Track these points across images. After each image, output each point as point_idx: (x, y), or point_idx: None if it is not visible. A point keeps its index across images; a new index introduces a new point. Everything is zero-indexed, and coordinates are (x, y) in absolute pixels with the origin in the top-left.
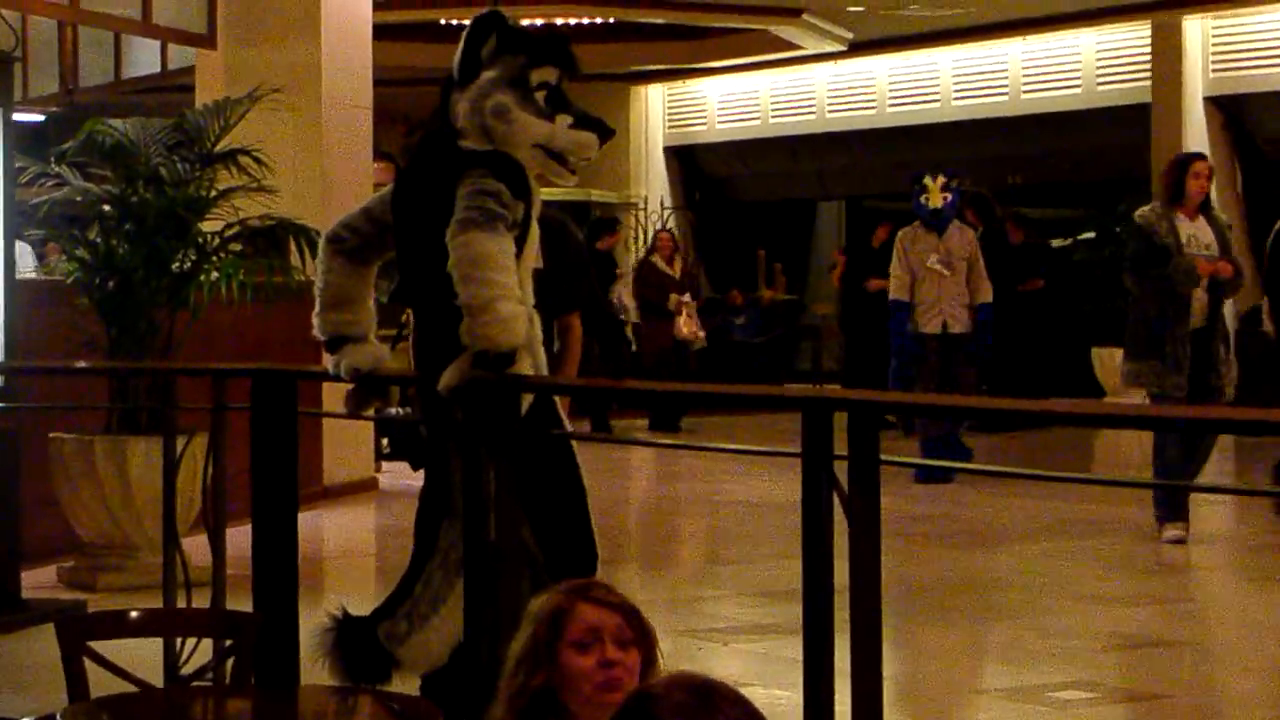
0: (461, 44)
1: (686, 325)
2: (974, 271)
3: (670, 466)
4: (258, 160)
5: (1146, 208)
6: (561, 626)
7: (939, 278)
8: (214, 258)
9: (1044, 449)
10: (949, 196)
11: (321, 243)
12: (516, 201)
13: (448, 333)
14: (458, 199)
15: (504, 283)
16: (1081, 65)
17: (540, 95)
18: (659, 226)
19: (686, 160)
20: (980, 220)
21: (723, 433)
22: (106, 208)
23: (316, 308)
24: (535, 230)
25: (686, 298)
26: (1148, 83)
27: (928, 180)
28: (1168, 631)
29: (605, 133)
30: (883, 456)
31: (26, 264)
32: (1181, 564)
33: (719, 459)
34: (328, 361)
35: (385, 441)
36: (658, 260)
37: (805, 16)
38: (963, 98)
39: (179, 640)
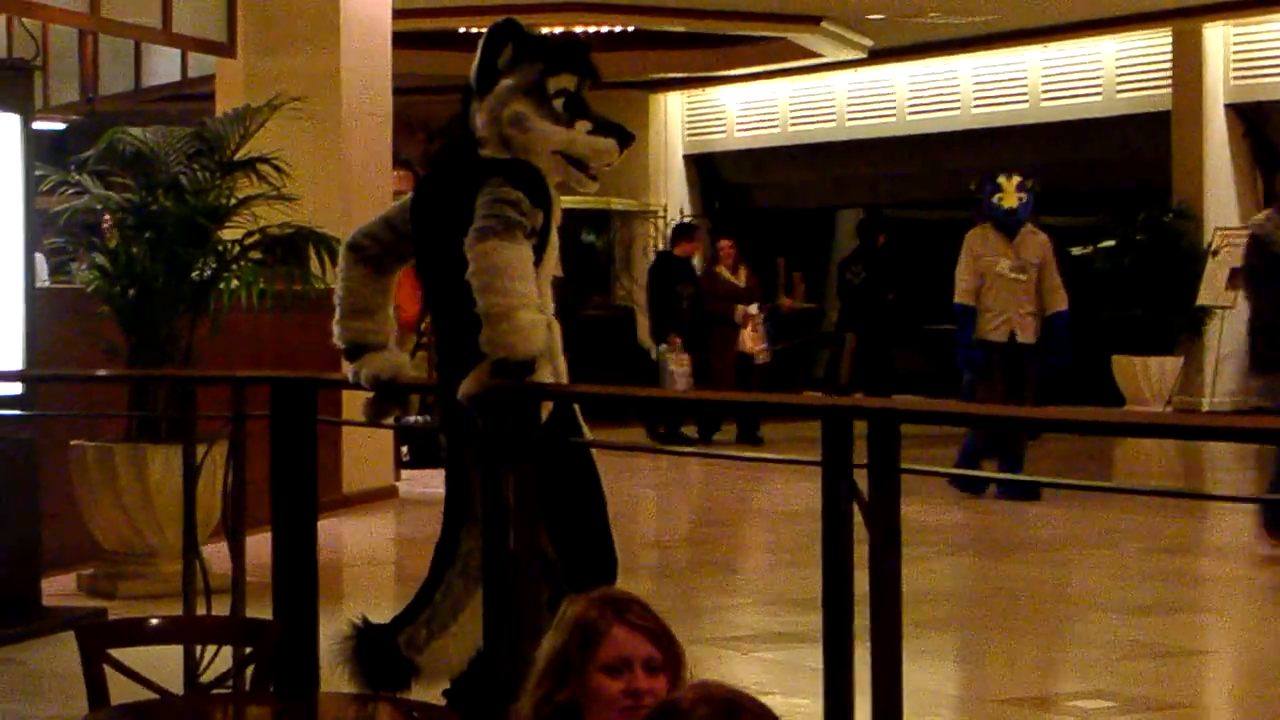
0: (478, 53)
1: (751, 339)
2: (1047, 278)
3: (690, 474)
4: (277, 168)
5: (1261, 215)
6: (594, 648)
7: (1009, 283)
8: (234, 266)
9: (1063, 458)
10: (1024, 197)
11: (342, 251)
12: (535, 209)
13: (467, 341)
14: (477, 207)
15: (523, 291)
16: (1102, 72)
17: (558, 102)
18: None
19: (706, 168)
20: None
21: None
22: (125, 216)
23: (336, 316)
24: (555, 238)
25: (753, 309)
26: (1168, 90)
27: (1002, 179)
28: (1190, 641)
29: (625, 138)
30: (903, 465)
31: (41, 273)
32: (1203, 573)
33: (739, 467)
34: (347, 369)
35: (405, 449)
36: (722, 270)
37: (825, 24)
38: (983, 105)
39: (199, 648)
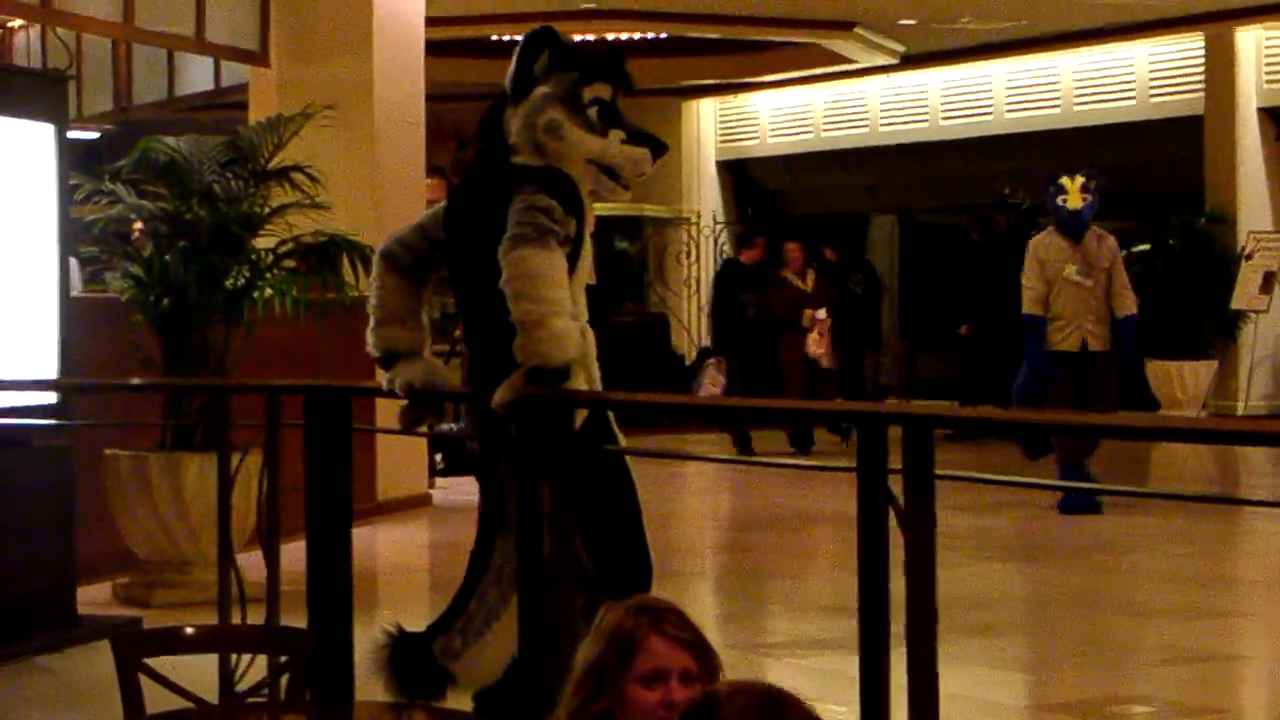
0: (514, 60)
1: (816, 343)
2: (1115, 281)
3: (725, 480)
4: (311, 177)
5: None
6: (630, 658)
7: (1077, 289)
8: (267, 274)
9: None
10: (1089, 197)
11: (375, 259)
12: (569, 217)
13: (501, 349)
14: (510, 215)
15: (556, 299)
16: (1134, 77)
17: (593, 111)
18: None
19: (738, 174)
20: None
21: (777, 446)
22: (159, 225)
23: (370, 324)
24: (589, 245)
25: (821, 314)
26: (1200, 94)
27: (1065, 180)
28: (1226, 646)
29: (658, 148)
30: (938, 471)
31: (75, 279)
32: (1241, 577)
33: (774, 472)
34: (381, 377)
35: (439, 457)
36: (789, 274)
37: (857, 30)
38: (1015, 110)
39: (234, 656)
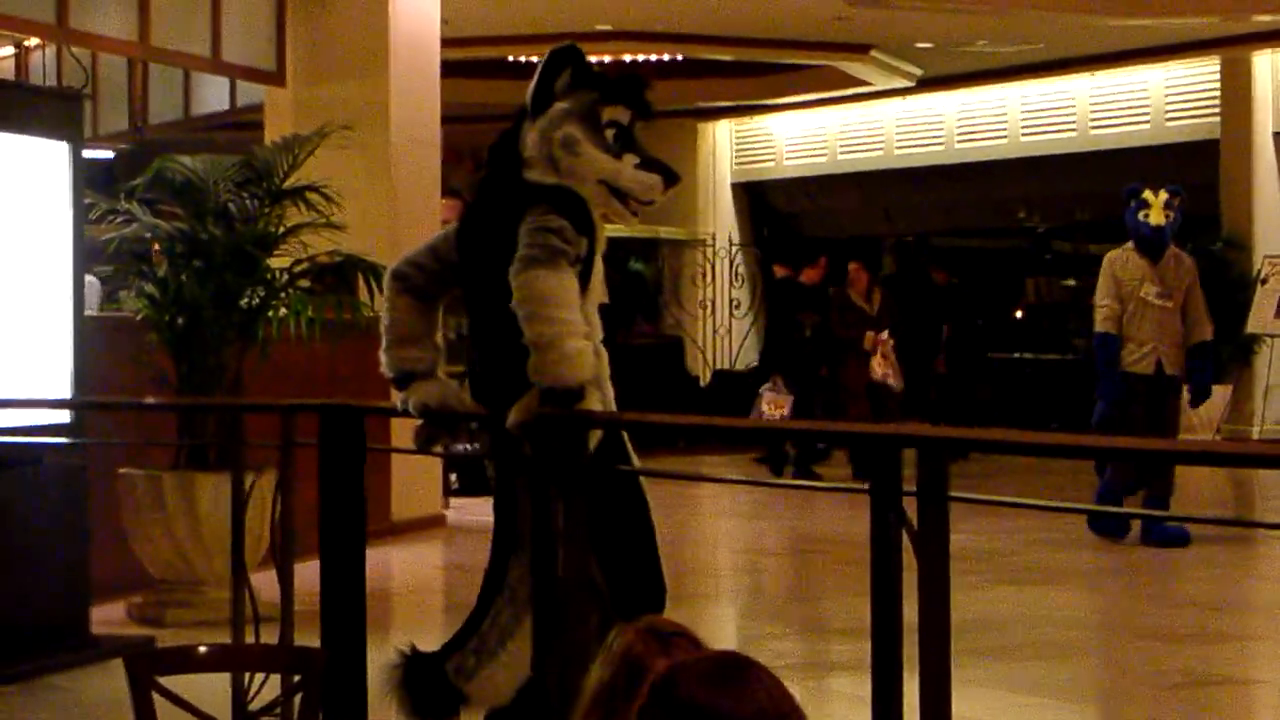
0: (537, 75)
1: (880, 366)
2: (1192, 304)
3: (737, 502)
4: (326, 197)
5: None
6: (639, 684)
7: (1155, 310)
8: (282, 294)
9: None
10: (1171, 214)
11: (387, 279)
12: (580, 237)
13: (515, 369)
14: (520, 236)
15: (569, 319)
16: (1150, 101)
17: (609, 133)
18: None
19: (754, 196)
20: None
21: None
22: (174, 244)
23: (384, 345)
24: (600, 265)
25: (884, 335)
26: (1216, 119)
27: (1148, 195)
28: (1236, 669)
29: (671, 177)
30: (952, 493)
31: (93, 298)
32: (1252, 602)
33: (784, 494)
34: (396, 398)
35: (454, 477)
36: (853, 294)
37: (874, 53)
38: (1031, 134)
39: (247, 676)
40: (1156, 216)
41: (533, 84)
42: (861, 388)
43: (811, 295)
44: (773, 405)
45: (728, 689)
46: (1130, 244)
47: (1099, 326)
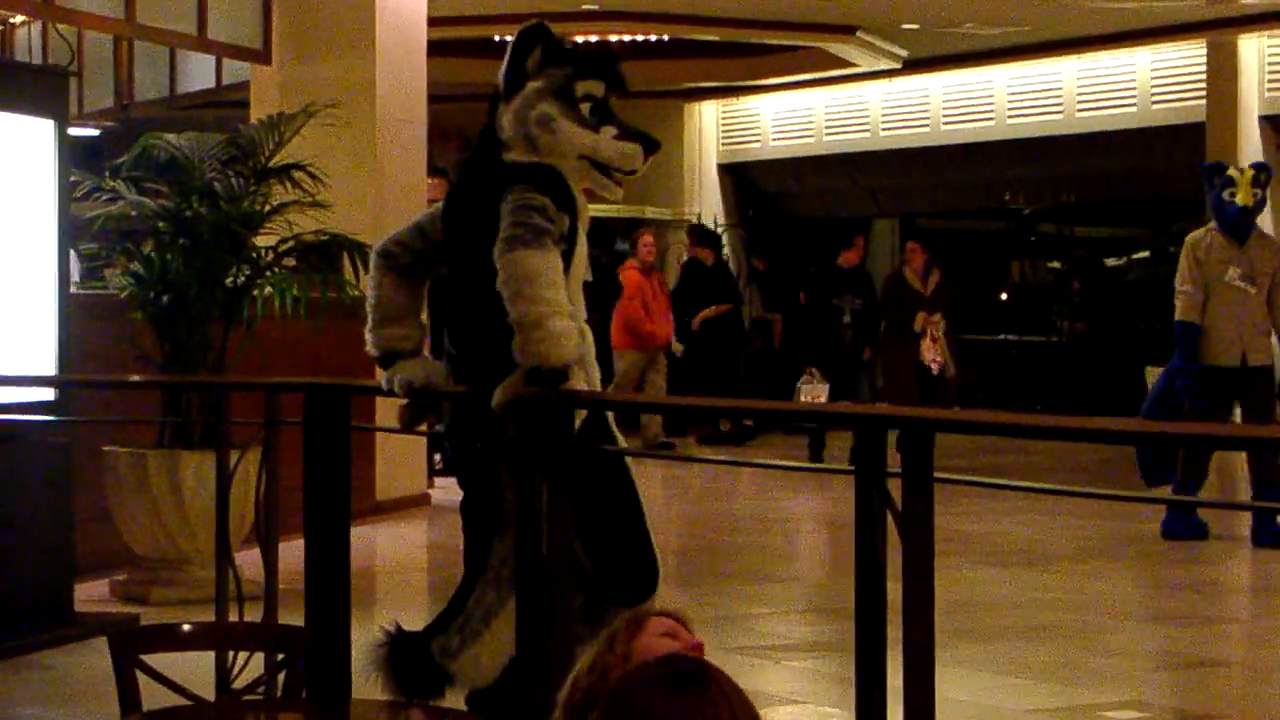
0: (507, 56)
1: (929, 350)
2: (1279, 291)
3: (723, 483)
4: (312, 175)
5: None
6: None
7: (1238, 296)
8: (267, 273)
9: (1094, 467)
10: (1259, 193)
11: (372, 258)
12: (561, 214)
13: (499, 349)
14: (503, 215)
15: (554, 299)
16: (1136, 84)
17: (585, 107)
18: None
19: (740, 177)
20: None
21: (776, 449)
22: (159, 222)
23: (368, 324)
24: (583, 243)
25: (937, 318)
26: (1202, 102)
27: (1234, 173)
28: (1220, 651)
29: (651, 145)
30: (937, 475)
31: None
32: (1233, 584)
33: (772, 475)
34: (381, 377)
35: (438, 456)
36: (908, 274)
37: (859, 34)
38: (1017, 116)
39: (231, 654)
40: (1244, 195)
41: (504, 65)
42: (909, 372)
43: (851, 278)
44: (810, 397)
45: (685, 698)
46: (1213, 225)
47: (1180, 315)
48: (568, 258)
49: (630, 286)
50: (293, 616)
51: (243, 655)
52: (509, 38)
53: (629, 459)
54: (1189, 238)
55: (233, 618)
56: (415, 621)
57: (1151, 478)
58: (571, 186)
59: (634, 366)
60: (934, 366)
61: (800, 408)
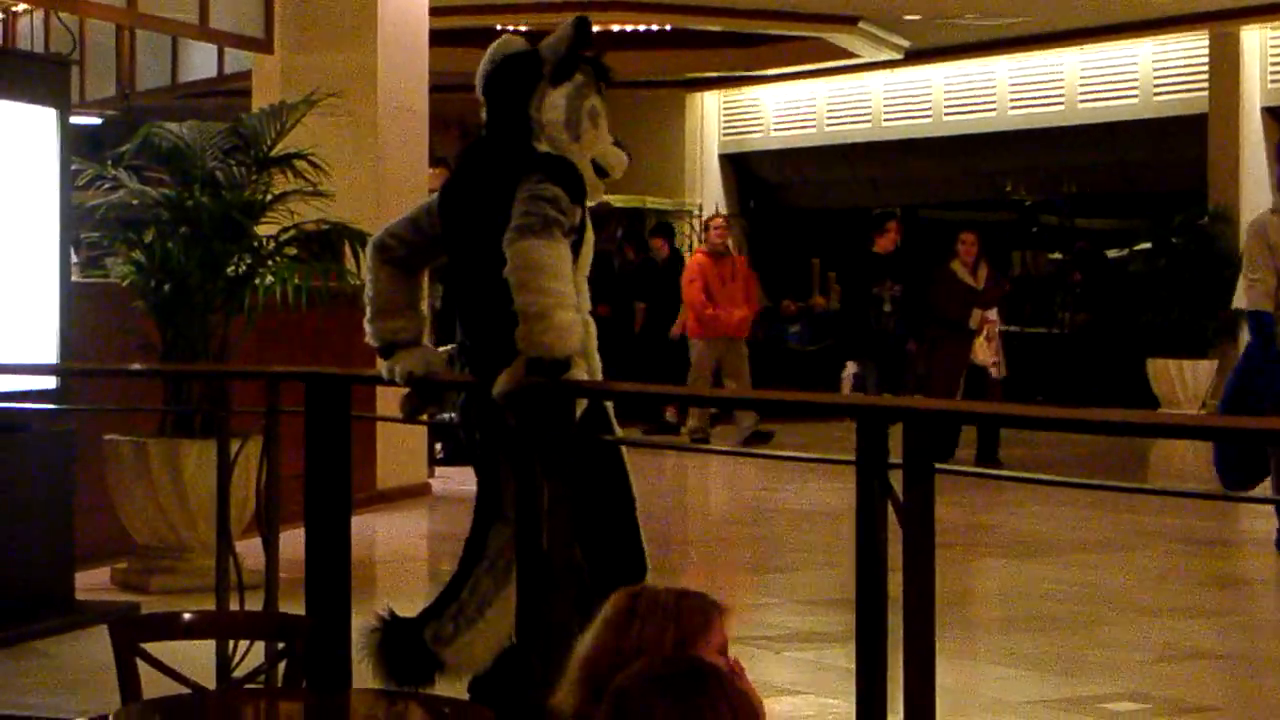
0: (567, 41)
1: (983, 349)
2: None
3: (724, 474)
4: (313, 164)
5: None
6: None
7: None
8: (269, 262)
9: (1095, 459)
10: None
11: (369, 251)
12: (574, 206)
13: (502, 338)
14: (515, 204)
15: (561, 290)
16: (1138, 75)
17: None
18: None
19: (741, 167)
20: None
21: (777, 440)
22: (161, 211)
23: (367, 315)
24: (591, 236)
25: (992, 314)
26: (1205, 93)
27: None
28: (1220, 644)
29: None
30: (938, 465)
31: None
32: (1234, 576)
33: (773, 466)
34: (381, 367)
35: (439, 446)
36: (958, 267)
37: (861, 25)
38: (1019, 107)
39: (231, 643)
40: None
41: (562, 49)
42: (961, 371)
43: (889, 264)
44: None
45: (684, 701)
46: (1275, 205)
47: (1252, 304)
48: (576, 250)
49: (691, 269)
50: (293, 605)
51: (243, 644)
52: (510, 27)
53: (625, 452)
54: (1253, 222)
55: (233, 606)
56: (415, 610)
57: (1230, 479)
58: (585, 181)
59: (703, 356)
60: (993, 370)
61: (801, 399)
